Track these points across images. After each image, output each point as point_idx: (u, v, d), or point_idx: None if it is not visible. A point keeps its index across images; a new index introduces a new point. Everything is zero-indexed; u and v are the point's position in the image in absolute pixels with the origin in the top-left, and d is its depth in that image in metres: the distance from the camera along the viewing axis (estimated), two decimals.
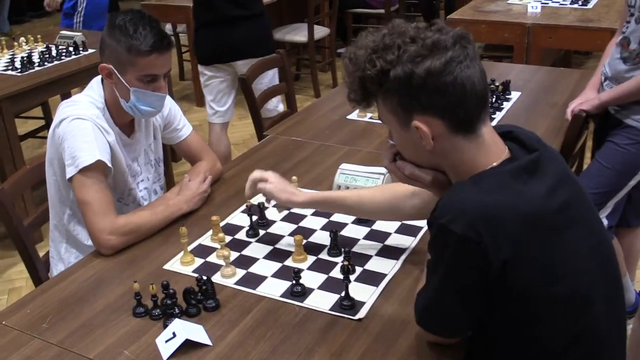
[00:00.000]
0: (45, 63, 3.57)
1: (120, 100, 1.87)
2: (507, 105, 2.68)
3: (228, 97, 3.54)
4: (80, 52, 3.74)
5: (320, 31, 5.43)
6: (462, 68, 1.16)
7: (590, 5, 4.19)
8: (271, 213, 1.92)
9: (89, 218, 1.77)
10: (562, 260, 1.18)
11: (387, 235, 1.79)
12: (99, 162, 1.79)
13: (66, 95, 4.35)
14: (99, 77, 1.95)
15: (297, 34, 5.27)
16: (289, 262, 1.69)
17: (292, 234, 1.82)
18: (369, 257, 1.70)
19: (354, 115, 2.65)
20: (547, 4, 4.28)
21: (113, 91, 1.88)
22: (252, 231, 1.83)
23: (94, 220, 1.75)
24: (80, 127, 1.81)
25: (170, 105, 2.11)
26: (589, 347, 1.23)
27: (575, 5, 4.21)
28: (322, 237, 1.79)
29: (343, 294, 1.52)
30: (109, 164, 1.84)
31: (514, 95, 2.80)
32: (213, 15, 3.33)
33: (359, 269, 1.64)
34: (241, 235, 1.83)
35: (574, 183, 1.28)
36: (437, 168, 1.30)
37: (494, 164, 1.22)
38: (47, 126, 4.30)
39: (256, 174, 1.72)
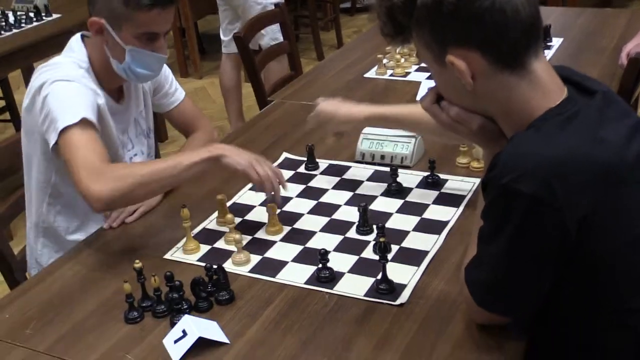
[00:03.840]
0: (2, 32, 3.51)
1: (112, 61, 1.81)
2: (548, 54, 2.63)
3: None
4: (43, 18, 3.69)
5: None
6: None
7: None
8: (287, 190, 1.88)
9: (75, 175, 1.63)
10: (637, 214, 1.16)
11: (424, 207, 1.75)
12: (84, 120, 1.70)
13: (29, 70, 4.29)
14: (78, 35, 1.90)
15: None
16: (311, 244, 1.65)
17: (312, 212, 1.78)
18: (405, 233, 1.66)
19: (372, 73, 2.61)
20: None
21: (101, 51, 1.82)
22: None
23: (80, 173, 1.62)
24: (63, 88, 1.75)
25: None
26: None
27: None
28: (349, 214, 1.75)
29: (379, 276, 1.48)
30: (97, 126, 1.75)
31: (556, 41, 2.76)
32: None
33: (395, 247, 1.60)
34: (253, 216, 1.79)
35: None
36: (485, 113, 1.25)
37: (552, 106, 1.18)
38: (8, 107, 4.24)
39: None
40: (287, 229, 1.72)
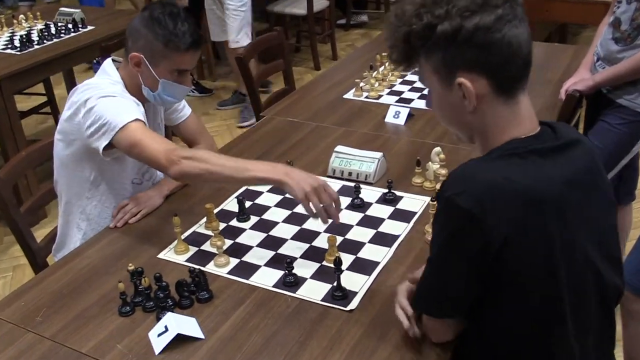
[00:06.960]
0: (45, 41, 3.47)
1: (143, 88, 1.82)
2: None
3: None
4: (79, 29, 3.64)
5: (320, 3, 5.28)
6: (511, 27, 1.09)
7: None
8: (265, 199, 1.87)
9: (148, 152, 1.64)
10: (562, 248, 1.12)
11: (380, 221, 1.74)
12: (137, 120, 1.70)
13: (68, 73, 4.26)
14: (109, 59, 1.89)
15: (297, 6, 5.15)
16: (282, 250, 1.63)
17: (286, 221, 1.76)
18: (362, 244, 1.64)
19: (350, 95, 2.57)
20: None
21: (133, 76, 1.82)
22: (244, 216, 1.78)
23: (153, 149, 1.63)
24: (111, 101, 1.73)
25: None
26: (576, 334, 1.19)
27: None
28: (316, 224, 1.72)
29: (335, 284, 1.47)
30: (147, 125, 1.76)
31: None
32: None
33: (351, 257, 1.59)
34: (235, 222, 1.77)
35: (601, 189, 1.22)
36: (469, 132, 1.22)
37: (519, 136, 1.16)
38: (49, 102, 4.20)
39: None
40: (263, 235, 1.71)
